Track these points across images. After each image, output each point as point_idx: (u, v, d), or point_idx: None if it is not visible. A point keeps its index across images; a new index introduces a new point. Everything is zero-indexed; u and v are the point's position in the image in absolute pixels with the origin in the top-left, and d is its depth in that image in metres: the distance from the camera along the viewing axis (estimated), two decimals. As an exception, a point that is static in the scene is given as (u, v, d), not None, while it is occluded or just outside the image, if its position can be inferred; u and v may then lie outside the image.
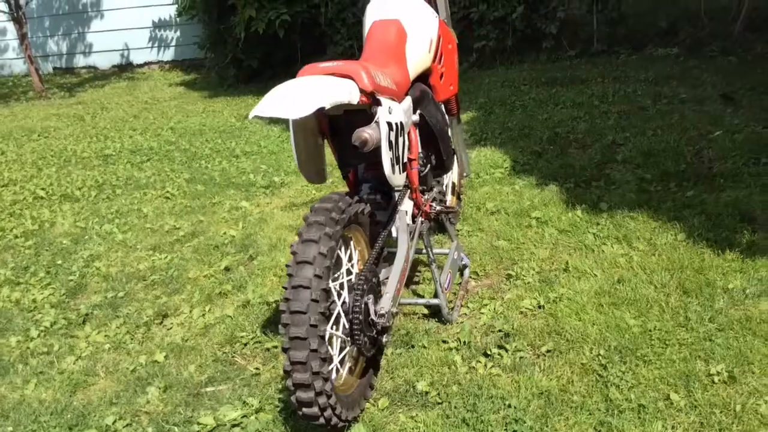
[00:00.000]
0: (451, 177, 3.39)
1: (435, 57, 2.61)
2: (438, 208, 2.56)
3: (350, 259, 2.10)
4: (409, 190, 2.42)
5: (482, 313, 2.60)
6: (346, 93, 1.87)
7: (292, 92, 1.77)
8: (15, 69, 9.27)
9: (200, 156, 5.01)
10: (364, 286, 2.01)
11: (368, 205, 2.11)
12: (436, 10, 2.79)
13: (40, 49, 9.11)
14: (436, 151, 2.73)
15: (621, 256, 2.84)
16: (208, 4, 6.69)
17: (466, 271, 2.86)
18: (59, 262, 3.47)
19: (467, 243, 3.15)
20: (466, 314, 2.63)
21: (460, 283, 2.81)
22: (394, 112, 2.08)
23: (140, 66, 8.66)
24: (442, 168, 2.80)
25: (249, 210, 3.89)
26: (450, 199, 3.42)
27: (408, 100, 2.35)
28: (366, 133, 1.94)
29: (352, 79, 1.95)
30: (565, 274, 2.76)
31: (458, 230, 3.27)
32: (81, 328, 2.83)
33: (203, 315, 2.80)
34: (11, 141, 5.87)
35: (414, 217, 2.46)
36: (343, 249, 2.02)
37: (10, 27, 8.76)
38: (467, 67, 6.36)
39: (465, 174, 3.41)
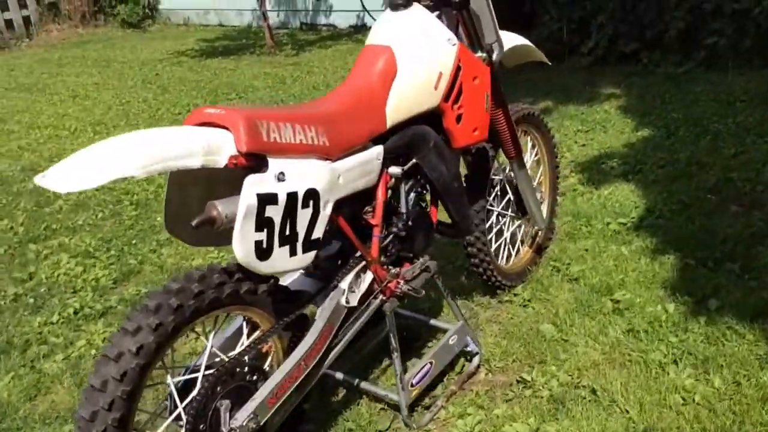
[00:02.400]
0: (522, 227, 2.77)
1: (448, 95, 2.05)
2: (405, 287, 2.03)
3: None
4: (360, 264, 1.95)
5: (455, 427, 2.06)
6: (194, 156, 1.48)
7: (104, 152, 1.43)
8: (270, 21, 9.83)
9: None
10: (217, 386, 1.63)
11: (259, 282, 1.70)
12: (461, 34, 2.18)
13: (291, 4, 9.52)
14: (447, 210, 2.18)
15: (683, 391, 2.06)
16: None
17: (474, 361, 2.30)
18: (135, 242, 3.51)
19: (513, 314, 2.55)
20: (440, 420, 2.11)
21: (460, 374, 2.27)
22: (291, 178, 1.62)
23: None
24: (457, 230, 2.25)
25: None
26: (524, 252, 2.80)
27: (365, 155, 1.86)
28: (216, 209, 1.53)
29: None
30: (587, 401, 2.08)
31: (515, 295, 2.66)
32: (95, 323, 2.81)
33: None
34: (215, 97, 6.17)
35: (367, 297, 1.98)
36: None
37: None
38: (693, 65, 5.26)
39: (536, 228, 2.75)
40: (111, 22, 10.94)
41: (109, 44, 9.61)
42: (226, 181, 1.61)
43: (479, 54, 2.20)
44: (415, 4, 2.06)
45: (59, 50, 9.59)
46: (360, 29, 8.81)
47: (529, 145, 2.82)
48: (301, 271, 1.95)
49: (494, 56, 2.27)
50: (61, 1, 10.80)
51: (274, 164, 1.60)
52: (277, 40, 8.35)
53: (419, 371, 2.11)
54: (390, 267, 2.04)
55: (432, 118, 2.09)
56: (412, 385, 2.08)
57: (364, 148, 1.88)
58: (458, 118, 2.11)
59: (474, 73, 2.12)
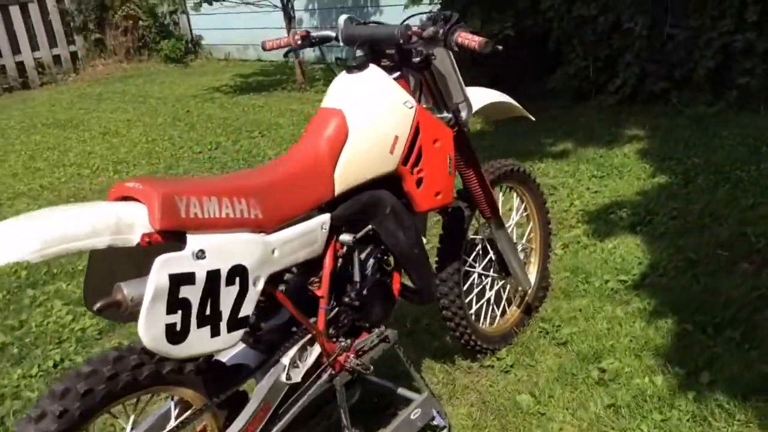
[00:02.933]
0: (508, 287, 2.65)
1: (406, 158, 1.96)
2: (355, 362, 1.93)
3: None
4: (305, 337, 1.86)
5: None
6: (100, 234, 1.42)
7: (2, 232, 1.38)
8: (305, 56, 9.91)
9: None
10: None
11: (185, 361, 1.62)
12: (425, 95, 2.10)
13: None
14: (410, 277, 2.08)
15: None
16: (444, 7, 6.29)
17: (441, 436, 2.17)
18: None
19: (493, 380, 2.43)
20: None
21: (424, 449, 2.15)
22: (213, 255, 1.55)
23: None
24: (420, 297, 2.14)
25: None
26: (511, 313, 2.68)
27: (307, 225, 1.78)
28: (121, 291, 1.46)
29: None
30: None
31: (498, 359, 2.53)
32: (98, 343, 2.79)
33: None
34: (238, 136, 6.20)
35: (313, 372, 1.88)
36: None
37: (307, 17, 9.40)
38: (724, 106, 5.04)
39: (521, 288, 2.62)
40: (154, 57, 11.19)
41: (149, 79, 9.80)
42: (149, 257, 1.55)
43: (444, 115, 2.11)
44: (372, 66, 1.99)
45: (101, 85, 9.82)
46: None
47: (516, 201, 2.70)
48: (242, 344, 1.87)
49: (463, 116, 2.18)
50: (107, 37, 11.11)
51: (193, 241, 1.53)
52: (310, 76, 8.38)
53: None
54: (341, 339, 1.94)
55: (392, 182, 2.00)
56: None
57: (308, 217, 1.80)
58: (418, 182, 2.02)
59: (434, 136, 2.02)
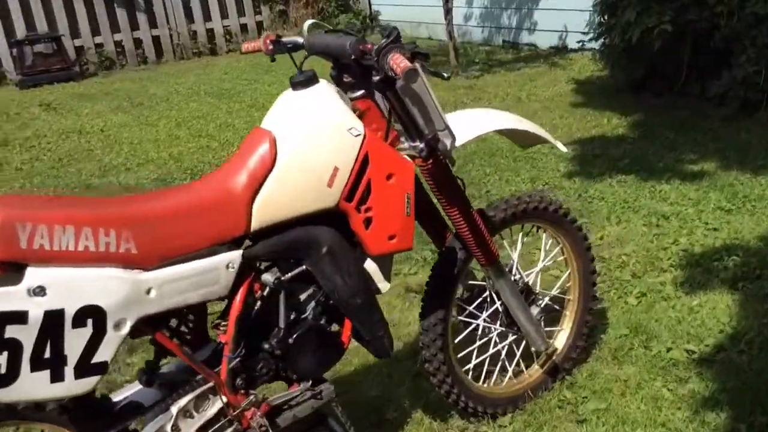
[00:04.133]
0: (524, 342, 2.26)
1: (350, 194, 1.67)
2: (260, 421, 1.69)
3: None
4: (203, 385, 1.66)
5: None
6: None
7: None
8: (473, 36, 9.52)
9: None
10: None
11: None
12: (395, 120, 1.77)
13: (495, 20, 9.12)
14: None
15: None
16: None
17: None
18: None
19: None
20: None
21: None
22: (57, 293, 1.39)
23: (574, 51, 7.94)
24: (372, 350, 1.86)
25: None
26: (531, 373, 2.30)
27: (204, 263, 1.57)
28: None
29: None
30: None
31: (499, 426, 2.18)
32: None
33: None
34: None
35: (213, 426, 1.68)
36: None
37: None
38: None
39: (535, 349, 2.22)
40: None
41: (320, 53, 9.96)
42: None
43: (415, 144, 1.78)
44: (322, 83, 1.71)
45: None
46: (560, 51, 8.17)
47: (546, 243, 2.28)
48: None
49: (443, 147, 1.83)
50: (290, 8, 11.44)
51: (33, 276, 1.38)
52: (469, 60, 8.03)
53: None
54: (252, 392, 1.71)
55: (342, 219, 1.73)
56: None
57: (211, 253, 1.58)
58: (367, 222, 1.72)
59: (388, 170, 1.71)
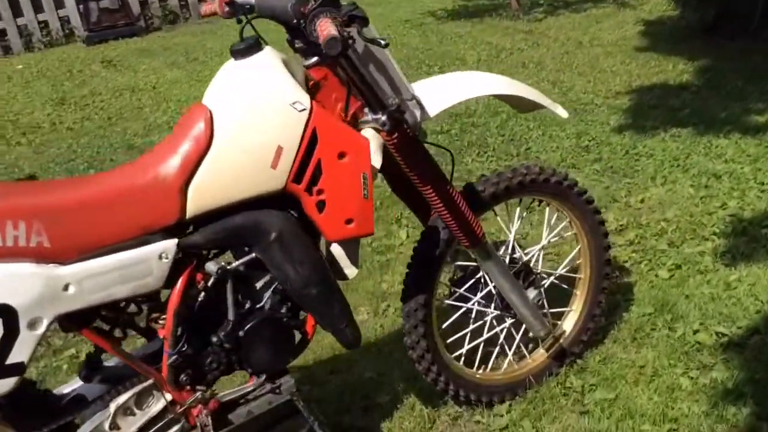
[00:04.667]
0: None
1: (296, 175, 1.52)
2: (204, 419, 1.58)
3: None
4: (143, 382, 1.57)
5: None
6: None
7: None
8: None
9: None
10: None
11: None
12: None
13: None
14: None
15: None
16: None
17: None
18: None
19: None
20: None
21: None
22: None
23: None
24: (340, 342, 1.72)
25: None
26: (535, 358, 2.13)
27: (133, 254, 1.45)
28: None
29: None
30: None
31: (495, 416, 2.03)
32: None
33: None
34: (414, 71, 5.82)
35: (157, 423, 1.59)
36: None
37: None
38: None
39: (533, 334, 2.03)
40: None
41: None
42: None
43: (376, 117, 1.59)
44: (265, 51, 1.54)
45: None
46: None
47: (551, 218, 2.06)
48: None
49: (410, 119, 1.63)
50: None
51: None
52: (533, 1, 7.60)
53: None
54: (199, 387, 1.60)
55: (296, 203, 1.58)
56: None
57: (141, 243, 1.46)
58: (320, 206, 1.56)
59: (340, 148, 1.53)
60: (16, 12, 9.33)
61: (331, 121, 1.53)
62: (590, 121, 4.14)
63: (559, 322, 2.15)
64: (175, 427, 1.61)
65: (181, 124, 1.52)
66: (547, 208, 2.06)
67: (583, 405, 2.01)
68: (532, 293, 1.97)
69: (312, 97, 1.61)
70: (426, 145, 1.75)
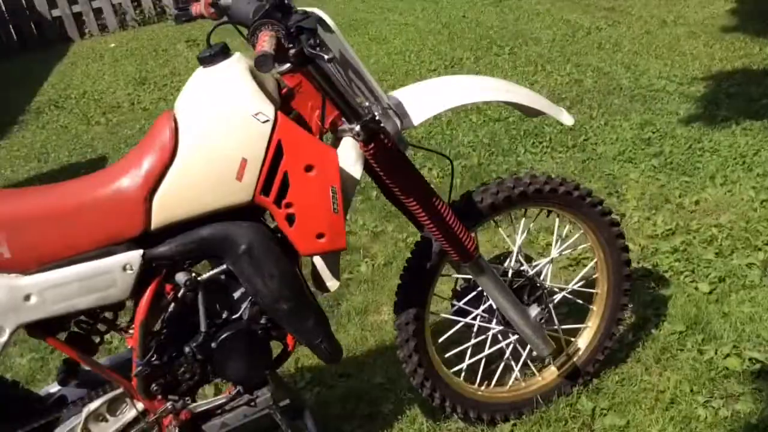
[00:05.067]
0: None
1: (264, 187, 1.47)
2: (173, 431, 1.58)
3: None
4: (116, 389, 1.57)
5: None
6: None
7: None
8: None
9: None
10: None
11: None
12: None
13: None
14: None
15: None
16: None
17: None
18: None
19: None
20: None
21: None
22: None
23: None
24: (320, 357, 1.68)
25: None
26: (545, 376, 2.03)
27: (95, 265, 1.44)
28: None
29: None
30: None
31: (494, 435, 1.94)
32: None
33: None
34: (485, 52, 5.64)
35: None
36: None
37: None
38: None
39: (537, 354, 1.92)
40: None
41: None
42: None
43: (351, 127, 1.51)
44: (232, 58, 1.48)
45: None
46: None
47: (561, 228, 1.93)
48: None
49: (393, 129, 1.55)
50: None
51: None
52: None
53: None
54: (171, 397, 1.60)
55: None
56: None
57: (104, 254, 1.45)
58: (290, 219, 1.51)
59: (306, 161, 1.47)
60: (111, -9, 9.69)
61: (297, 133, 1.47)
62: (658, 110, 3.89)
63: (573, 339, 2.03)
64: (148, 436, 1.61)
65: (149, 133, 1.49)
66: (557, 219, 1.93)
67: (591, 430, 1.89)
68: (534, 310, 1.86)
69: (287, 105, 1.56)
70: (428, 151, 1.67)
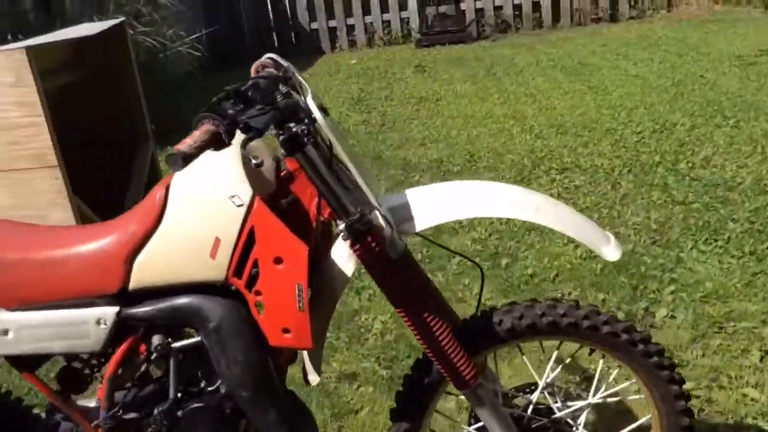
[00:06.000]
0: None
1: (236, 269, 1.43)
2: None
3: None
4: None
5: None
6: None
7: None
8: None
9: None
10: None
11: None
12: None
13: None
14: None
15: None
16: None
17: None
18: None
19: None
20: None
21: None
22: None
23: None
24: None
25: None
26: None
27: (69, 315, 1.49)
28: None
29: None
30: None
31: None
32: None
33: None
34: (705, 119, 5.07)
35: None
36: None
37: None
38: None
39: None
40: (756, 1, 9.60)
41: (723, 27, 8.51)
42: None
43: (339, 224, 1.39)
44: (237, 137, 1.43)
45: (673, 27, 9.02)
46: None
47: (608, 371, 1.63)
48: None
49: (388, 235, 1.40)
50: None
51: None
52: None
53: None
54: None
55: None
56: None
57: (80, 305, 1.49)
58: (259, 307, 1.44)
59: (276, 252, 1.39)
60: (366, 10, 10.25)
61: (271, 222, 1.39)
62: None
63: None
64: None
65: (147, 195, 1.50)
66: (601, 360, 1.63)
67: None
68: None
69: (285, 188, 1.49)
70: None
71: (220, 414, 1.56)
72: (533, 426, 1.61)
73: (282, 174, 1.50)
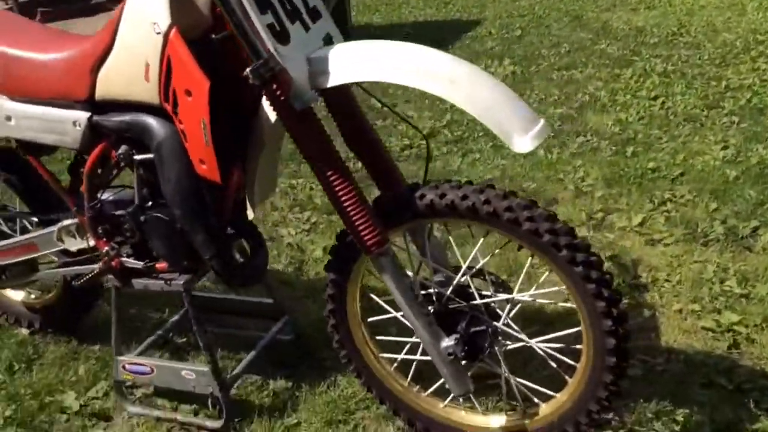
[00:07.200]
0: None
1: (165, 95, 1.52)
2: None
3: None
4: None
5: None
6: None
7: None
8: None
9: None
10: None
11: None
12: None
13: None
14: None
15: None
16: None
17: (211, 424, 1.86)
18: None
19: None
20: None
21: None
22: None
23: None
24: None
25: None
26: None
27: (53, 112, 1.71)
28: None
29: None
30: None
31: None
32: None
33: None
34: None
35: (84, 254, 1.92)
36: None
37: None
38: None
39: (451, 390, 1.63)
40: None
41: None
42: None
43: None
44: None
45: None
46: None
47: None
48: None
49: (296, 78, 1.38)
50: None
51: None
52: None
53: (139, 364, 1.91)
54: (113, 243, 1.81)
55: None
56: (125, 368, 1.92)
57: (61, 105, 1.70)
58: (184, 135, 1.52)
59: (186, 85, 1.45)
60: None
61: (183, 54, 1.42)
62: None
63: (557, 394, 1.59)
64: (94, 265, 1.87)
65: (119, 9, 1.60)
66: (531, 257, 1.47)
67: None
68: (447, 341, 1.51)
69: (224, 25, 1.49)
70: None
71: (173, 227, 1.69)
72: (450, 307, 1.55)
73: (218, 10, 1.50)
